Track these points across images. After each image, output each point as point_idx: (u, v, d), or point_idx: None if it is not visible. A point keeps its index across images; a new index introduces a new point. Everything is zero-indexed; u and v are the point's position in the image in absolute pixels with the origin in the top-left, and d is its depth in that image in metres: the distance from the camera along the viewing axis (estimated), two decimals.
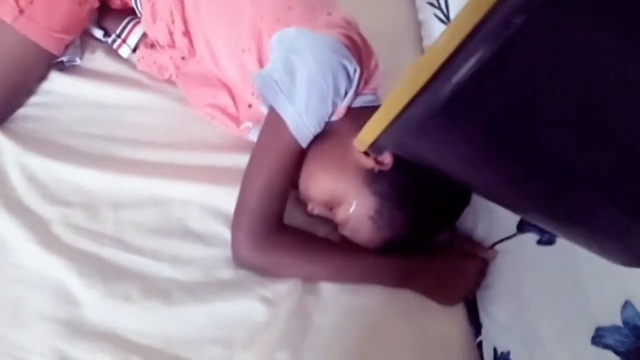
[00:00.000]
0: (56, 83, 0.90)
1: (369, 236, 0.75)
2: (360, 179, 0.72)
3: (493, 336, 0.77)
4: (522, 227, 0.79)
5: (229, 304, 0.74)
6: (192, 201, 0.83)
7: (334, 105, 0.73)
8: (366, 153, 0.72)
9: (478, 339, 0.79)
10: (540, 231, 0.78)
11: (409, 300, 0.79)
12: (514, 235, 0.78)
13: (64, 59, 0.89)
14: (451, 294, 0.79)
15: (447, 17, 1.00)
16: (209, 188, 0.83)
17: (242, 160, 0.83)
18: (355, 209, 0.73)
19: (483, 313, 0.80)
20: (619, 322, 0.71)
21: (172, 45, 0.87)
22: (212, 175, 0.85)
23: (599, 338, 0.71)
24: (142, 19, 0.90)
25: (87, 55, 0.94)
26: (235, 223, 0.75)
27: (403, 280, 0.78)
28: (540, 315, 0.74)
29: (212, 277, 0.77)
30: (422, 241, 0.80)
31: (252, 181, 0.75)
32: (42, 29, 0.81)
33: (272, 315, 0.74)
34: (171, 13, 0.84)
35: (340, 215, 0.76)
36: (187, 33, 0.84)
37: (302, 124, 0.72)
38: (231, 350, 0.71)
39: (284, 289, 0.76)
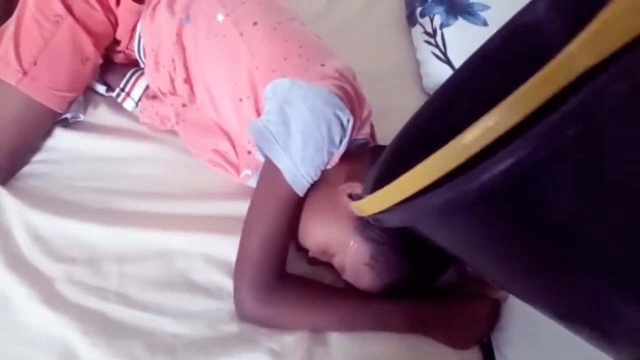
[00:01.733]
0: (60, 139, 0.91)
1: (369, 282, 0.73)
2: (352, 226, 0.72)
3: None
4: None
5: (236, 359, 0.73)
6: (195, 252, 0.82)
7: (330, 154, 0.73)
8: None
9: None
10: None
11: (421, 346, 0.76)
12: None
13: (68, 115, 0.90)
14: (465, 338, 0.76)
15: (445, 54, 1.00)
16: (212, 238, 0.83)
17: (245, 208, 0.82)
18: (351, 256, 0.72)
19: (499, 356, 0.77)
20: None
21: (174, 92, 0.88)
22: (215, 224, 0.84)
23: None
24: (146, 69, 0.92)
25: (90, 110, 0.95)
26: (237, 275, 0.74)
27: (414, 325, 0.76)
28: (557, 358, 0.71)
29: (217, 331, 0.75)
30: (427, 282, 0.78)
31: (251, 232, 0.74)
32: (45, 88, 0.82)
33: None
34: (173, 60, 0.85)
35: (337, 263, 0.75)
36: (188, 80, 0.85)
37: (298, 174, 0.72)
38: None
39: (292, 341, 0.74)
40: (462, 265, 0.85)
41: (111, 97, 0.96)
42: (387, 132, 0.87)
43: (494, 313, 0.77)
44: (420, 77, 1.06)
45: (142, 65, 0.94)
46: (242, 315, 0.75)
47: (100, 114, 0.95)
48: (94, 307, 0.76)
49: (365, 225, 0.71)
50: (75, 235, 0.81)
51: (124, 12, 0.88)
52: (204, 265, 0.80)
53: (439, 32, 1.02)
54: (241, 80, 0.79)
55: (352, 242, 0.72)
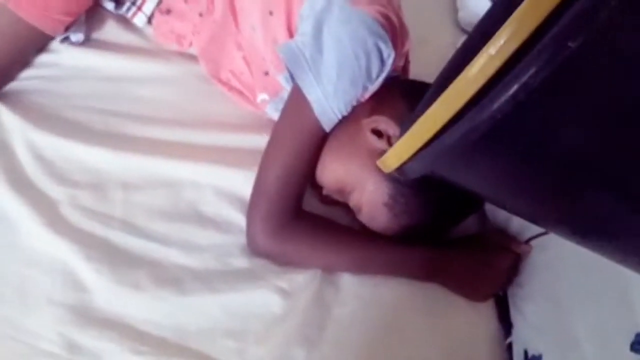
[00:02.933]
0: (62, 55, 0.85)
1: (386, 223, 0.70)
2: (372, 163, 0.66)
3: (524, 337, 0.72)
4: None
5: (243, 295, 0.70)
6: (205, 184, 0.78)
7: (364, 89, 0.68)
8: (378, 134, 0.68)
9: (508, 340, 0.74)
10: None
11: (434, 295, 0.75)
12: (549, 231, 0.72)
13: (71, 37, 0.84)
14: (480, 289, 0.74)
15: None
16: (225, 170, 0.79)
17: (261, 141, 0.78)
18: (369, 195, 0.69)
19: (515, 312, 0.75)
20: None
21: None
22: (228, 157, 0.80)
23: (638, 345, 0.66)
24: None
25: (96, 25, 0.88)
26: (251, 208, 0.71)
27: (430, 272, 0.73)
28: (576, 317, 0.68)
29: (226, 265, 0.73)
30: (445, 228, 0.74)
31: (270, 164, 0.70)
32: (39, 9, 0.75)
33: (288, 307, 0.70)
34: None
35: (354, 201, 0.71)
36: None
37: (328, 107, 0.66)
38: (245, 343, 0.68)
39: (302, 280, 0.72)
40: (483, 212, 0.82)
41: (120, 14, 0.89)
42: (417, 66, 0.81)
43: (513, 267, 0.74)
44: (456, 10, 0.97)
45: None
46: (253, 248, 0.72)
47: (108, 31, 0.88)
48: (98, 233, 0.73)
49: None
50: (79, 158, 0.77)
51: None
52: (214, 198, 0.77)
53: None
54: None
55: (371, 180, 0.68)
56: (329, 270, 0.73)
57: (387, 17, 0.66)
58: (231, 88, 0.82)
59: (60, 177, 0.76)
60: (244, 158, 0.78)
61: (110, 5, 0.88)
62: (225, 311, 0.69)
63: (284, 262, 0.73)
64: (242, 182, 0.76)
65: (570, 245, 0.70)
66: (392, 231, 0.71)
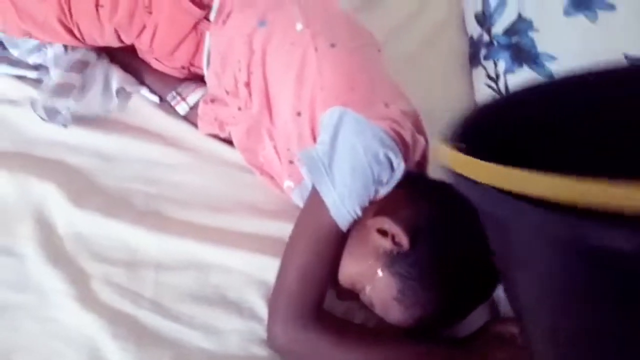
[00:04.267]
0: (108, 138, 0.92)
1: (399, 316, 0.72)
2: (379, 261, 0.72)
3: None
4: None
5: None
6: (232, 268, 0.81)
7: (376, 192, 0.73)
8: (384, 233, 0.72)
9: None
10: None
11: None
12: None
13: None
14: None
15: None
16: (252, 256, 0.82)
17: (288, 229, 0.80)
18: (379, 291, 0.72)
19: None
20: None
21: (235, 94, 0.88)
22: (256, 243, 0.83)
23: None
24: (209, 73, 0.92)
25: (141, 114, 0.96)
26: (272, 306, 0.74)
27: None
28: None
29: (246, 351, 0.74)
30: (458, 318, 0.76)
31: (290, 262, 0.74)
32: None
33: None
34: (239, 61, 0.85)
35: (366, 298, 0.74)
36: (248, 84, 0.85)
37: (344, 209, 0.71)
38: None
39: None
40: (494, 304, 0.83)
41: (164, 105, 0.97)
42: (437, 169, 0.86)
43: None
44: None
45: (205, 72, 0.94)
46: (272, 346, 0.74)
47: (151, 118, 0.96)
48: (127, 311, 0.76)
49: (393, 260, 0.71)
50: (117, 236, 0.82)
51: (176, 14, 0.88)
52: (241, 284, 0.80)
53: (502, 77, 1.01)
54: (304, 95, 0.79)
55: (379, 277, 0.71)
56: None
57: (398, 134, 0.72)
58: (263, 172, 0.88)
59: (96, 253, 0.80)
60: (272, 246, 0.81)
61: (154, 98, 0.97)
62: None
63: None
64: (269, 270, 0.79)
65: None
66: (407, 324, 0.73)
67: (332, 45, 0.80)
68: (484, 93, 1.03)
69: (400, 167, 0.72)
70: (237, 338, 0.75)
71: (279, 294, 0.73)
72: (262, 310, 0.77)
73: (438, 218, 0.73)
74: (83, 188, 0.86)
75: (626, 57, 1.01)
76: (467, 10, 1.16)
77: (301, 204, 0.82)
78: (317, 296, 0.73)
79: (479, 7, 1.11)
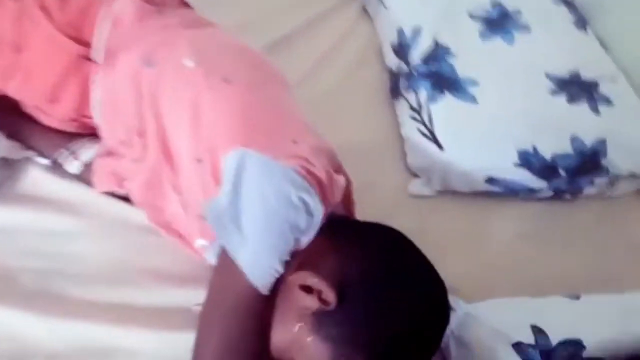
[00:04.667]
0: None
1: None
2: (306, 324, 0.61)
3: None
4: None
5: None
6: (139, 352, 0.70)
7: (296, 241, 0.63)
8: (308, 290, 0.61)
9: None
10: None
11: None
12: None
13: None
14: None
15: (432, 132, 0.93)
16: (162, 335, 0.71)
17: (203, 297, 0.71)
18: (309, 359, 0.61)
19: None
20: None
21: (129, 144, 0.78)
22: (167, 318, 0.72)
23: None
24: (102, 125, 0.81)
25: (26, 180, 0.84)
26: None
27: None
28: None
29: None
30: None
31: (207, 339, 0.62)
32: None
33: None
34: (128, 108, 0.76)
35: None
36: (141, 133, 0.75)
37: (260, 267, 0.61)
38: None
39: None
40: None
41: (51, 164, 0.85)
42: (367, 209, 0.78)
43: None
44: (404, 153, 0.97)
45: (96, 119, 0.83)
46: None
47: (42, 183, 0.83)
48: None
49: (321, 321, 0.60)
50: (1, 325, 0.69)
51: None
52: None
53: (424, 107, 0.95)
54: (201, 139, 0.70)
55: (308, 343, 0.60)
56: None
57: (310, 172, 0.63)
58: (170, 231, 0.77)
59: None
60: (185, 319, 0.70)
61: (44, 161, 0.85)
62: None
63: None
64: (182, 349, 0.67)
65: None
66: None
67: (228, 82, 0.72)
68: (409, 125, 0.97)
69: (318, 210, 0.62)
70: None
71: None
72: None
73: (370, 267, 0.63)
74: None
75: (547, 75, 0.98)
76: (384, 42, 1.12)
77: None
78: None
79: (394, 39, 1.08)
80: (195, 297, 0.73)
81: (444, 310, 0.65)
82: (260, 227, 0.61)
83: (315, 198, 0.62)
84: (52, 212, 0.81)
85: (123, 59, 0.78)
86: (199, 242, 0.74)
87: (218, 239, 0.65)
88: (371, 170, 0.93)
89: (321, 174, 0.64)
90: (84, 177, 0.84)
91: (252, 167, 0.63)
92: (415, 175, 0.95)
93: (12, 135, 0.86)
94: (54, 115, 0.83)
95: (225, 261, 0.62)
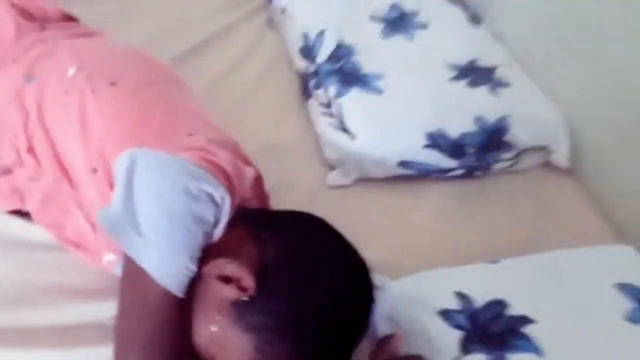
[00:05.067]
0: None
1: None
2: (225, 317, 0.58)
3: None
4: (466, 347, 0.65)
5: None
6: None
7: (205, 235, 0.60)
8: (226, 280, 0.59)
9: None
10: (488, 348, 0.65)
11: None
12: (458, 359, 0.64)
13: None
14: None
15: (342, 124, 0.94)
16: (74, 353, 0.65)
17: (110, 310, 0.65)
18: (234, 355, 0.58)
19: None
20: None
21: (21, 164, 0.73)
22: (79, 334, 0.67)
23: None
24: None
25: None
26: None
27: None
28: None
29: None
30: None
31: (124, 355, 0.58)
32: None
33: None
34: (14, 127, 0.72)
35: None
36: (31, 149, 0.71)
37: (169, 267, 0.57)
38: None
39: None
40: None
41: None
42: (288, 205, 0.77)
43: None
44: (320, 149, 0.98)
45: None
46: None
47: None
48: None
49: (241, 310, 0.57)
50: None
51: None
52: None
53: (334, 102, 0.97)
54: (92, 147, 0.67)
55: (229, 337, 0.57)
56: None
57: (209, 161, 0.62)
58: (77, 246, 0.72)
59: None
60: (99, 333, 0.65)
61: None
62: None
63: None
64: None
65: None
66: None
67: (113, 84, 0.70)
68: (321, 121, 0.99)
69: (225, 200, 0.60)
70: None
71: None
72: None
73: (288, 251, 0.61)
74: None
75: (447, 65, 1.03)
76: (291, 48, 1.14)
77: None
78: None
79: (301, 43, 1.10)
80: (107, 311, 0.69)
81: (366, 288, 0.64)
82: (162, 226, 0.58)
83: (219, 187, 0.60)
84: None
85: (3, 78, 0.75)
86: (108, 258, 0.70)
87: (120, 245, 0.61)
88: (289, 169, 0.93)
89: (224, 163, 0.63)
90: None
91: (142, 165, 0.60)
92: (333, 168, 0.96)
93: None
94: None
95: (132, 269, 0.58)
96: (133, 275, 0.59)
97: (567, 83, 1.05)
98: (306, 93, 1.05)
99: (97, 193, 0.67)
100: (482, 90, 1.00)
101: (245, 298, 0.58)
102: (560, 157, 1.00)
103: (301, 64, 1.09)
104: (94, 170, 0.67)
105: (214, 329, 0.58)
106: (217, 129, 0.72)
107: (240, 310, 0.58)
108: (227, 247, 0.61)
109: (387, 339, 0.64)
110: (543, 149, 1.00)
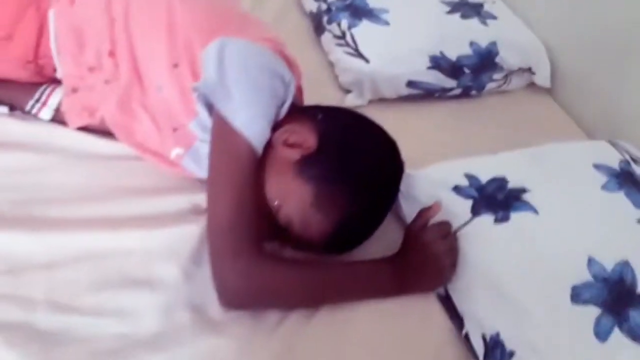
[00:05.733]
0: None
1: (319, 226, 0.71)
2: (290, 172, 0.72)
3: (477, 323, 0.74)
4: (476, 210, 0.80)
5: (190, 348, 0.66)
6: (131, 249, 0.75)
7: (277, 108, 0.74)
8: (291, 146, 0.73)
9: (464, 332, 0.75)
10: (494, 210, 0.79)
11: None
12: (470, 220, 0.79)
13: None
14: (436, 272, 0.76)
15: (357, 50, 1.07)
16: (150, 232, 0.77)
17: (180, 201, 0.81)
18: (295, 202, 0.71)
19: (460, 305, 0.77)
20: (589, 278, 0.72)
21: (100, 68, 0.83)
22: (151, 221, 0.79)
23: (577, 296, 0.71)
24: (63, 56, 0.86)
25: None
26: (213, 249, 0.68)
27: (399, 281, 0.74)
28: (516, 289, 0.73)
29: (166, 323, 0.68)
30: (376, 220, 0.77)
31: (220, 203, 0.70)
32: None
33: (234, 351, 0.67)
34: (99, 34, 0.82)
35: (284, 216, 0.72)
36: (112, 53, 0.82)
37: (255, 127, 0.71)
38: None
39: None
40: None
41: (16, 114, 0.89)
42: None
43: (444, 236, 0.76)
44: (335, 77, 1.11)
45: (56, 68, 0.88)
46: (223, 291, 0.68)
47: (5, 128, 0.87)
48: (19, 319, 0.65)
49: (303, 166, 0.72)
50: None
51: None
52: (144, 261, 0.74)
53: (347, 33, 1.09)
54: (179, 44, 0.78)
55: (293, 188, 0.71)
56: (305, 305, 0.72)
57: (280, 50, 0.77)
58: (145, 150, 0.83)
59: None
60: (168, 219, 0.78)
61: (4, 110, 0.88)
62: None
63: (260, 303, 0.71)
64: (172, 240, 0.75)
65: (490, 229, 0.77)
66: (327, 235, 0.72)
67: None
68: (336, 51, 1.11)
69: (292, 81, 0.75)
70: (155, 313, 0.69)
71: (217, 235, 0.68)
72: (175, 276, 0.72)
73: (341, 125, 0.77)
74: None
75: (442, 1, 1.17)
76: None
77: (195, 170, 0.80)
78: (254, 226, 0.69)
79: None
80: (175, 203, 0.82)
81: (399, 159, 0.79)
82: (249, 94, 0.72)
83: (288, 71, 0.75)
84: (20, 152, 0.84)
85: None
86: (175, 152, 0.81)
87: (217, 108, 0.73)
88: (308, 94, 1.04)
89: (288, 53, 0.78)
90: (57, 120, 0.88)
91: (231, 47, 0.74)
92: (348, 92, 1.09)
93: None
94: (9, 58, 0.86)
95: (222, 127, 0.72)
96: (224, 133, 0.72)
97: (546, 15, 1.21)
98: (319, 29, 1.18)
99: (175, 90, 0.78)
100: (474, 21, 1.14)
101: (306, 155, 0.72)
102: (542, 78, 1.16)
103: (313, 5, 1.21)
104: (176, 66, 0.78)
105: (281, 183, 0.72)
106: (274, 32, 0.85)
107: (301, 166, 0.72)
108: (290, 122, 0.76)
109: (426, 209, 0.77)
110: (527, 70, 1.15)
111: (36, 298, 0.68)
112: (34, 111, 0.87)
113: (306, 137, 0.73)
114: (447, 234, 0.76)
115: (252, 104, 0.72)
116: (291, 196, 0.72)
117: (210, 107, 0.74)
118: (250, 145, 0.71)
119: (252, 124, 0.71)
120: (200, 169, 0.78)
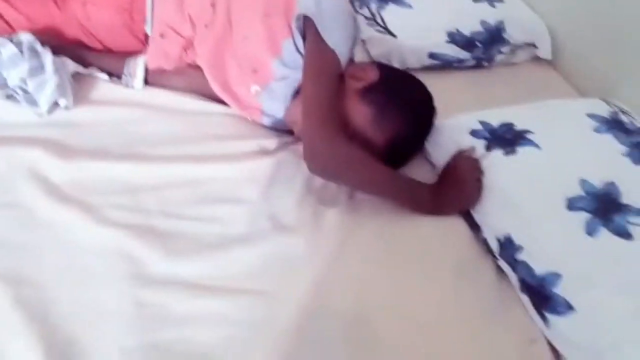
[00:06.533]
0: (74, 112, 1.01)
1: (378, 140, 0.93)
2: (356, 97, 0.95)
3: (492, 229, 0.93)
4: (489, 147, 0.99)
5: (270, 242, 0.86)
6: (224, 177, 0.95)
7: (352, 46, 1.00)
8: (357, 79, 0.96)
9: (482, 236, 0.94)
10: (504, 146, 0.98)
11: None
12: (485, 155, 0.98)
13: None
14: (469, 193, 0.95)
15: (385, 28, 1.28)
16: (239, 164, 0.97)
17: (255, 145, 1.01)
18: (359, 119, 0.94)
19: (478, 217, 0.96)
20: (582, 192, 0.90)
21: (201, 15, 1.03)
22: (230, 158, 0.98)
23: (571, 205, 0.89)
24: (165, 4, 1.05)
25: (95, 90, 1.06)
26: (307, 125, 0.89)
27: (435, 201, 0.94)
28: (522, 202, 0.91)
29: (251, 228, 0.88)
30: (418, 140, 1.02)
31: (316, 96, 0.92)
32: None
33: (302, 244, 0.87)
34: None
35: (351, 132, 0.93)
36: (213, 4, 1.03)
37: (342, 47, 0.96)
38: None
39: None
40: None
41: (114, 81, 1.08)
42: None
43: (475, 168, 0.96)
44: (367, 52, 1.31)
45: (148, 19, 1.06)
46: (316, 163, 0.88)
47: (107, 91, 1.06)
48: (139, 222, 0.86)
49: (365, 92, 0.96)
50: (108, 174, 0.91)
51: None
52: (235, 185, 0.94)
53: (377, 14, 1.30)
54: None
55: (358, 108, 0.94)
56: (364, 186, 0.93)
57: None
58: (228, 91, 1.03)
59: (94, 189, 0.89)
60: (242, 157, 0.98)
61: (103, 76, 1.08)
62: (257, 258, 0.84)
63: (338, 170, 0.89)
64: (245, 171, 0.95)
65: (502, 161, 0.96)
66: (383, 147, 0.93)
67: None
68: (368, 30, 1.32)
69: (359, 29, 1.02)
70: (242, 219, 0.89)
71: (315, 121, 0.89)
72: (253, 196, 0.92)
73: (396, 69, 1.08)
74: (63, 149, 0.94)
75: None
76: None
77: (268, 106, 1.01)
78: (336, 119, 0.91)
79: None
80: (248, 145, 1.01)
81: (432, 100, 1.02)
82: (339, 26, 0.98)
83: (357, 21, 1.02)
84: (122, 108, 1.04)
85: None
86: (254, 88, 1.02)
87: (317, 26, 0.95)
88: None
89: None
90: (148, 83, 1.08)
91: None
92: None
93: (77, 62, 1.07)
94: (109, 2, 1.05)
95: (318, 45, 0.95)
96: (320, 48, 0.96)
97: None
98: None
99: (264, 35, 0.99)
100: (483, 4, 1.35)
101: (368, 85, 0.96)
102: (544, 51, 1.35)
103: None
104: (268, 15, 0.99)
105: (349, 105, 0.95)
106: None
107: (365, 92, 0.95)
108: (354, 63, 1.01)
109: (463, 150, 1.00)
110: (531, 45, 1.35)
111: (152, 209, 0.88)
112: (129, 84, 1.07)
113: (368, 72, 0.97)
114: (477, 166, 0.96)
115: (341, 32, 0.96)
116: (357, 115, 0.94)
117: (303, 35, 0.97)
118: (338, 62, 0.95)
119: (340, 45, 0.95)
120: (273, 104, 1.00)
